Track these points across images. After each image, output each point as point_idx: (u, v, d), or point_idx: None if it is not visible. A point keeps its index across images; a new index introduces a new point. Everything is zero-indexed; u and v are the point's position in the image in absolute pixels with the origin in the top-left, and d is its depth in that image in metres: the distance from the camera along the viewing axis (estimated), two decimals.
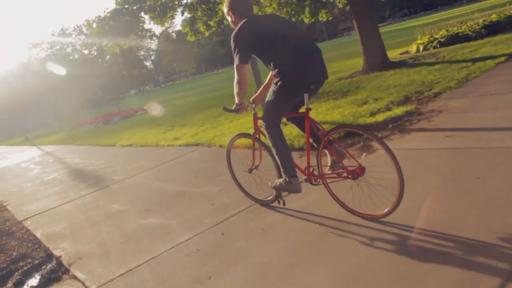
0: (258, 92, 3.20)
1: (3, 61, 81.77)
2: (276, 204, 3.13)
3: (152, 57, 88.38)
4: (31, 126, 37.05)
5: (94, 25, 8.93)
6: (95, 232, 3.85)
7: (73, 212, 4.77)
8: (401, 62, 9.85)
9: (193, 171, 5.29)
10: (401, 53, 12.50)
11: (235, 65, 2.67)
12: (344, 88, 8.50)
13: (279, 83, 2.63)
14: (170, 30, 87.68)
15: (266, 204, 3.29)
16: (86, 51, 65.06)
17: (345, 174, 2.59)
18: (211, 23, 11.93)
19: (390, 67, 9.28)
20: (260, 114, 3.04)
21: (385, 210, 2.41)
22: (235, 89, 2.77)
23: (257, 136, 3.15)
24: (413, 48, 12.04)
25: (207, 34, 12.24)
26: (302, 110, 2.79)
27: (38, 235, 4.16)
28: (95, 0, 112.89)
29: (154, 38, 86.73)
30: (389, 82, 7.55)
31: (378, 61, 9.59)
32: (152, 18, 10.87)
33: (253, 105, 3.13)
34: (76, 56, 62.12)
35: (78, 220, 4.41)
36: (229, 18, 2.90)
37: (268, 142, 2.83)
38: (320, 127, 2.82)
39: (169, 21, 10.14)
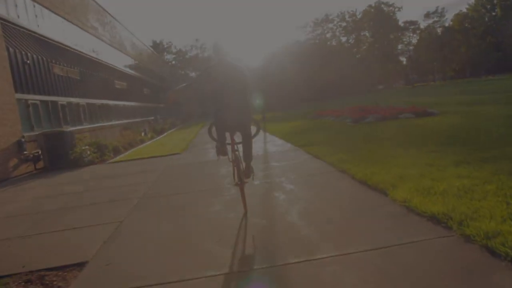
0: None
1: (271, 42, 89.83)
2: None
3: (410, 53, 79.14)
4: (275, 106, 36.78)
5: None
6: None
7: None
8: None
9: None
10: None
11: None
12: None
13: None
14: (437, 25, 76.55)
15: None
16: (344, 39, 62.87)
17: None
18: None
19: None
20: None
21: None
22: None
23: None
24: None
25: None
26: None
27: None
28: None
29: (417, 32, 77.58)
30: None
31: None
32: None
33: None
34: (333, 43, 60.65)
35: None
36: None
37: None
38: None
39: None
